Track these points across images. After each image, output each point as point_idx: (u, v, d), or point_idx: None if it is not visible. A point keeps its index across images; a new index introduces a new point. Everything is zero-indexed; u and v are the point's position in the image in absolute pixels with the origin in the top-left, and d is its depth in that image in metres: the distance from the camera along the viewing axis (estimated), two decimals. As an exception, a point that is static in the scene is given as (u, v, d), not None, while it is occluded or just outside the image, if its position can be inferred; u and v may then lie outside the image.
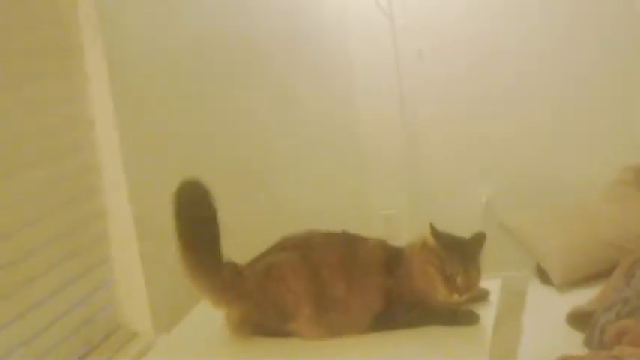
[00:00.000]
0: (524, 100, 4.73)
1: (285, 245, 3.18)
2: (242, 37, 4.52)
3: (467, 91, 4.77)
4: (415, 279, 3.04)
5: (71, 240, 3.17)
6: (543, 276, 4.11)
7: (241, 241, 4.09)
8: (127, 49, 3.41)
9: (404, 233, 3.52)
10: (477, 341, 2.94)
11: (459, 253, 3.02)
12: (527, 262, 4.29)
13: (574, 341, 3.32)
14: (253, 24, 4.57)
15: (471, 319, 3.03)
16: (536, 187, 4.69)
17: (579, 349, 3.19)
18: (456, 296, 3.00)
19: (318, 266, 3.06)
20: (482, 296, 3.19)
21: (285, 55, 4.69)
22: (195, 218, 3.16)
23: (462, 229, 3.25)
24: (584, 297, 3.61)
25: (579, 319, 3.47)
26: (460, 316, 3.04)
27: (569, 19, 4.62)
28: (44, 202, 3.04)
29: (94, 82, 3.25)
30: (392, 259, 3.10)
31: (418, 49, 4.72)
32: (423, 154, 4.80)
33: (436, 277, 3.01)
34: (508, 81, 4.72)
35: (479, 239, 3.08)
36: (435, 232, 3.06)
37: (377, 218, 4.76)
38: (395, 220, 4.77)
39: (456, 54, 4.75)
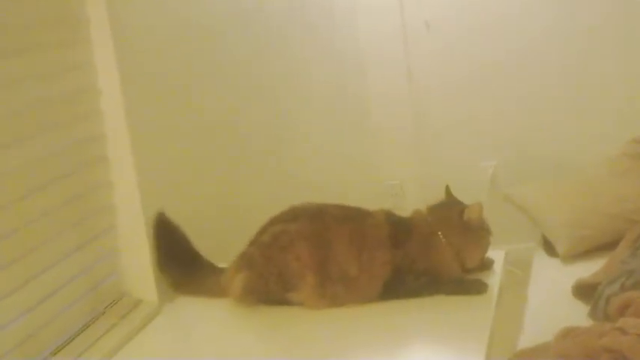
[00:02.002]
0: (532, 73, 4.71)
1: (296, 215, 3.18)
2: (252, 10, 4.52)
3: (474, 63, 4.76)
4: (426, 248, 3.06)
5: (77, 208, 3.17)
6: (549, 248, 4.11)
7: (246, 210, 4.11)
8: (133, 18, 3.40)
9: (410, 204, 3.51)
10: (481, 311, 2.94)
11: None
12: (533, 234, 4.29)
13: (579, 313, 3.32)
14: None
15: (479, 288, 3.04)
16: (543, 160, 4.69)
17: (584, 321, 3.19)
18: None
19: (329, 239, 3.08)
20: (487, 265, 3.20)
21: (294, 28, 4.68)
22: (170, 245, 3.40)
23: (468, 200, 3.26)
24: (589, 269, 3.61)
25: (584, 291, 3.47)
26: (468, 285, 3.05)
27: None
28: (50, 170, 3.04)
29: (100, 52, 3.24)
30: (400, 230, 3.12)
31: (425, 20, 4.70)
32: (430, 125, 4.79)
33: (447, 250, 3.04)
34: (515, 53, 4.70)
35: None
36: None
37: (383, 188, 4.76)
38: (401, 190, 4.77)
39: (463, 26, 4.73)
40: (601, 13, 4.56)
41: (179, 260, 3.39)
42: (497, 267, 3.23)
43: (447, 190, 3.27)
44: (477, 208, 3.11)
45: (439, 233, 3.08)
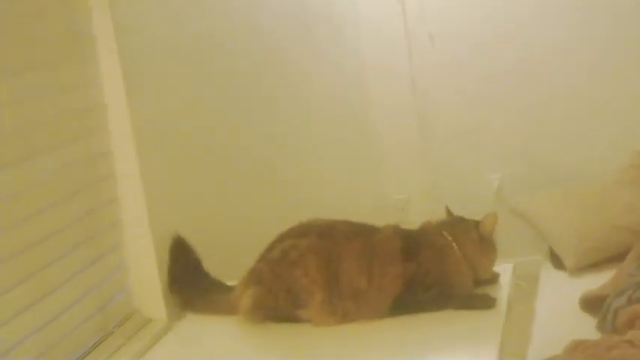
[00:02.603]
0: (538, 84, 4.71)
1: (305, 231, 3.19)
2: (253, 22, 4.52)
3: (478, 75, 4.76)
4: (440, 260, 3.08)
5: (84, 226, 3.17)
6: (556, 261, 4.11)
7: (253, 226, 4.11)
8: (139, 36, 3.41)
9: (416, 218, 3.51)
10: (490, 325, 2.94)
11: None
12: (540, 246, 4.29)
13: (587, 326, 3.32)
14: (265, 8, 4.57)
15: (488, 303, 3.04)
16: (549, 172, 4.68)
17: (592, 334, 3.18)
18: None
19: (338, 255, 3.08)
20: (492, 279, 3.21)
21: (296, 40, 4.68)
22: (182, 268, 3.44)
23: (474, 213, 3.26)
24: (597, 281, 3.60)
25: (592, 304, 3.47)
26: (477, 300, 3.06)
27: (582, 1, 4.60)
28: (57, 188, 3.05)
29: (107, 68, 3.25)
30: (411, 243, 3.13)
31: (429, 32, 4.71)
32: (435, 138, 4.79)
33: (462, 262, 3.07)
34: (521, 65, 4.70)
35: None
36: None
37: (389, 202, 4.76)
38: (407, 204, 4.77)
39: (467, 38, 4.74)
40: (607, 23, 4.56)
41: (189, 279, 3.40)
42: (506, 280, 3.23)
43: (447, 210, 3.29)
44: (492, 219, 3.14)
45: (454, 245, 3.09)
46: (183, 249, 3.43)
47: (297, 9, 4.66)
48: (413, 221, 3.35)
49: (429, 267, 3.06)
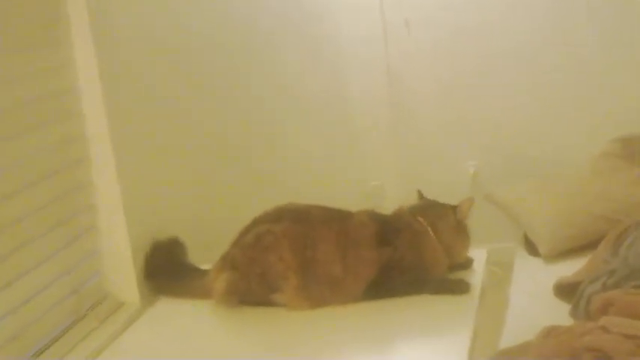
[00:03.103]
0: (514, 73, 4.70)
1: (280, 216, 3.18)
2: (227, 9, 4.51)
3: (454, 62, 4.75)
4: (416, 245, 3.08)
5: (58, 209, 3.16)
6: (530, 247, 4.11)
7: (227, 210, 4.10)
8: (114, 19, 3.39)
9: (391, 204, 3.51)
10: (463, 311, 2.95)
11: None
12: (515, 233, 4.29)
13: (560, 312, 3.32)
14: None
15: (462, 288, 3.06)
16: (524, 159, 4.68)
17: (565, 320, 3.18)
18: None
19: (313, 240, 3.08)
20: (466, 264, 3.22)
21: (272, 27, 4.66)
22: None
23: (450, 200, 3.26)
24: (571, 268, 3.60)
25: (566, 290, 3.47)
26: (451, 285, 3.07)
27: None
28: (31, 171, 3.03)
29: (81, 52, 3.23)
30: (387, 228, 3.13)
31: (405, 19, 4.69)
32: (411, 125, 4.78)
33: (438, 247, 3.09)
34: (496, 52, 4.69)
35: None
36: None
37: (365, 189, 4.75)
38: (382, 191, 4.76)
39: (443, 25, 4.72)
40: (584, 14, 4.56)
41: (164, 264, 3.39)
42: (479, 266, 3.24)
43: (420, 194, 3.31)
44: (469, 204, 3.16)
45: (429, 230, 3.10)
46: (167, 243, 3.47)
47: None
48: (388, 208, 3.35)
49: (404, 252, 3.06)
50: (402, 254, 3.06)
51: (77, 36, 3.23)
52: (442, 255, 3.11)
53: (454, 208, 3.19)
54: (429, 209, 3.20)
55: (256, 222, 3.19)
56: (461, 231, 3.17)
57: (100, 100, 3.28)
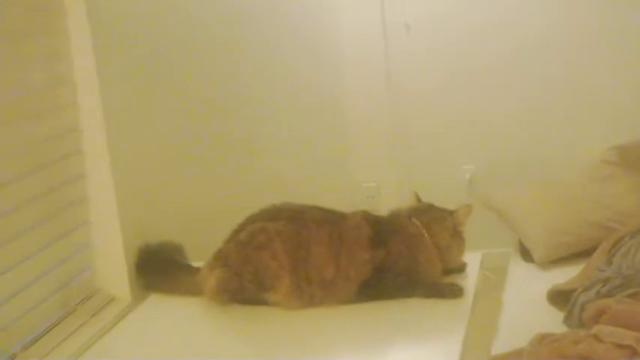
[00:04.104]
0: (513, 77, 4.69)
1: (275, 214, 3.17)
2: (229, 6, 4.49)
3: (453, 66, 4.73)
4: (411, 248, 3.06)
5: (50, 202, 3.14)
6: (525, 253, 4.10)
7: (221, 207, 4.09)
8: (112, 11, 3.37)
9: (386, 206, 3.50)
10: (456, 315, 2.94)
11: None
12: (510, 239, 4.28)
13: (554, 319, 3.31)
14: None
15: (455, 292, 3.05)
16: (522, 165, 4.66)
17: (559, 328, 3.17)
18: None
19: (307, 240, 3.07)
20: (460, 268, 3.21)
21: (272, 26, 4.64)
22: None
23: (445, 203, 3.25)
24: (566, 275, 3.59)
25: (559, 298, 3.46)
26: (444, 289, 3.06)
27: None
28: (23, 162, 3.02)
29: (77, 42, 3.21)
30: (381, 230, 3.12)
31: (405, 22, 4.68)
32: (408, 127, 4.76)
33: (433, 251, 3.08)
34: (495, 56, 4.68)
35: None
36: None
37: (360, 190, 4.74)
38: (377, 192, 4.74)
39: (443, 28, 4.71)
40: (589, 18, 4.55)
41: (155, 260, 3.37)
42: (473, 271, 3.23)
43: (417, 197, 3.29)
44: (467, 210, 3.17)
45: (424, 233, 3.09)
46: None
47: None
48: (384, 209, 3.34)
49: (398, 254, 3.05)
50: (396, 256, 3.05)
51: (73, 25, 3.22)
52: (436, 258, 3.10)
53: (451, 212, 3.18)
54: (425, 212, 3.18)
55: (250, 220, 3.18)
56: (456, 235, 3.15)
57: (96, 92, 3.26)
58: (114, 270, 3.37)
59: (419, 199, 3.28)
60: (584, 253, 3.79)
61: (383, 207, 3.81)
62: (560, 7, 4.57)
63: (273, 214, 3.18)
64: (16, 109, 2.97)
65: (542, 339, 2.86)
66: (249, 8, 4.56)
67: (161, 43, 3.89)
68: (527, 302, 3.60)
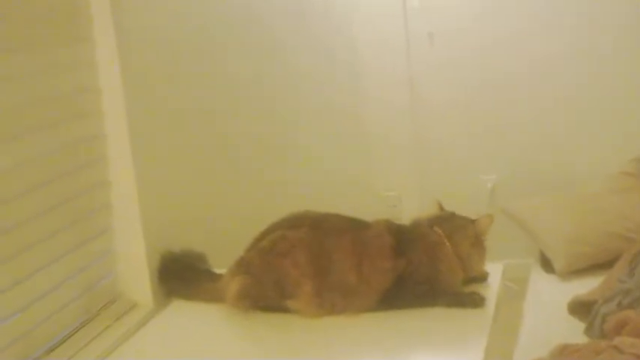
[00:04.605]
0: (533, 87, 4.69)
1: (297, 222, 3.18)
2: (250, 17, 4.51)
3: (476, 76, 4.74)
4: (432, 257, 3.07)
5: (74, 208, 3.16)
6: (546, 264, 4.09)
7: (242, 215, 4.10)
8: (135, 18, 3.39)
9: (408, 215, 3.50)
10: (478, 325, 2.93)
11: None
12: (531, 249, 4.27)
13: (574, 330, 3.30)
14: (262, 2, 4.55)
15: (477, 301, 3.04)
16: (543, 175, 4.66)
17: (580, 339, 3.17)
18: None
19: (328, 248, 3.08)
20: (482, 277, 3.20)
21: (293, 35, 4.66)
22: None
23: (466, 213, 3.25)
24: (587, 286, 3.58)
25: (581, 309, 3.45)
26: (466, 298, 3.05)
27: (581, 6, 4.59)
28: (47, 169, 3.03)
29: (102, 49, 3.23)
30: (403, 239, 3.12)
31: (429, 31, 4.69)
32: (430, 136, 4.77)
33: (454, 260, 3.07)
34: (518, 67, 4.68)
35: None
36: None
37: (381, 199, 4.74)
38: (399, 201, 4.75)
39: (466, 39, 4.71)
40: (610, 29, 4.55)
41: (178, 267, 3.39)
42: (495, 281, 3.22)
43: (439, 205, 3.29)
44: (488, 220, 3.16)
45: (446, 242, 3.08)
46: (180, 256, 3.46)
47: (295, 3, 4.63)
48: (405, 218, 3.34)
49: (420, 263, 3.05)
50: (417, 265, 3.05)
51: (99, 34, 3.24)
52: (458, 267, 3.10)
53: (473, 221, 3.18)
54: (447, 221, 3.18)
55: (273, 228, 3.19)
56: (477, 244, 3.15)
57: (121, 99, 3.28)
58: (136, 276, 3.38)
59: (441, 208, 3.27)
60: (605, 265, 3.78)
61: (404, 216, 3.81)
62: (583, 20, 4.57)
63: (294, 222, 3.18)
64: (41, 115, 2.99)
65: (563, 349, 2.86)
66: (270, 21, 4.58)
67: (186, 49, 3.90)
68: (548, 313, 3.60)
